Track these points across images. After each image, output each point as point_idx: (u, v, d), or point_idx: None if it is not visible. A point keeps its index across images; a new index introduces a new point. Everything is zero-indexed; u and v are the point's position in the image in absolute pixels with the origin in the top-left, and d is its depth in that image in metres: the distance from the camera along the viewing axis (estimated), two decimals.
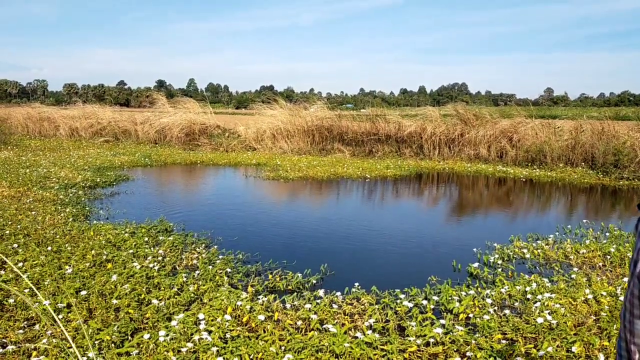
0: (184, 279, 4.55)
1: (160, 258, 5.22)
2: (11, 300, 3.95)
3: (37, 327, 3.54)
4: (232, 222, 7.26)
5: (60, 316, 3.70)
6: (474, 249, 5.83)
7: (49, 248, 5.39)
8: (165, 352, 3.14)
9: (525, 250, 5.73)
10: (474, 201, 9.80)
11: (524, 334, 3.50)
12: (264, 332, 3.52)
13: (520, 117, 15.31)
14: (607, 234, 6.57)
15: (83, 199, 8.54)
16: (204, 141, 18.69)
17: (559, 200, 10.00)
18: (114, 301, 3.96)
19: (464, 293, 4.29)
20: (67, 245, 5.55)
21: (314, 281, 4.74)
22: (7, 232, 6.02)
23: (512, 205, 9.45)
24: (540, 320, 3.62)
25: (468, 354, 3.20)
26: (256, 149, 17.43)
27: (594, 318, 3.74)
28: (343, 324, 3.66)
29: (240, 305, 3.89)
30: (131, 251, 5.39)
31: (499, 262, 5.36)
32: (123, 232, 6.19)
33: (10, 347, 3.20)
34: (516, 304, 4.14)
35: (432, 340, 3.39)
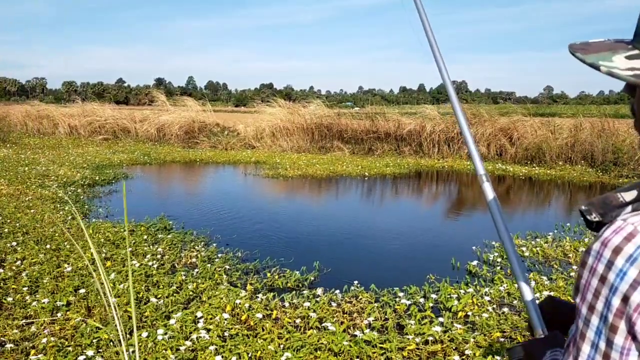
0: (183, 277, 4.54)
1: (159, 256, 5.22)
2: (9, 299, 3.95)
3: (34, 327, 3.54)
4: (231, 220, 7.25)
5: (59, 314, 3.70)
6: (473, 247, 5.83)
7: (48, 246, 5.38)
8: (164, 351, 3.14)
9: (524, 249, 5.73)
10: (473, 199, 9.79)
11: (522, 332, 3.50)
12: (263, 330, 3.52)
13: (518, 115, 15.30)
14: None
15: (82, 197, 8.54)
16: (203, 139, 18.66)
17: (558, 198, 10.00)
18: (113, 299, 3.95)
19: (462, 291, 4.29)
20: (66, 243, 5.55)
21: (312, 279, 4.74)
22: (6, 230, 6.01)
23: (511, 203, 9.45)
24: None
25: (467, 352, 3.20)
26: (255, 147, 17.41)
27: None
28: (342, 322, 3.66)
29: (239, 303, 3.89)
30: (130, 249, 5.38)
31: (498, 260, 5.36)
32: (122, 230, 6.18)
33: (8, 346, 3.20)
34: (515, 302, 4.14)
35: (430, 338, 3.39)
